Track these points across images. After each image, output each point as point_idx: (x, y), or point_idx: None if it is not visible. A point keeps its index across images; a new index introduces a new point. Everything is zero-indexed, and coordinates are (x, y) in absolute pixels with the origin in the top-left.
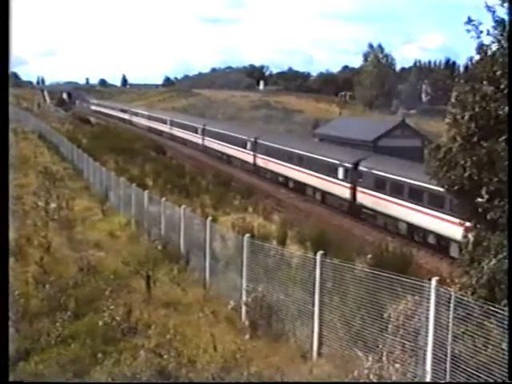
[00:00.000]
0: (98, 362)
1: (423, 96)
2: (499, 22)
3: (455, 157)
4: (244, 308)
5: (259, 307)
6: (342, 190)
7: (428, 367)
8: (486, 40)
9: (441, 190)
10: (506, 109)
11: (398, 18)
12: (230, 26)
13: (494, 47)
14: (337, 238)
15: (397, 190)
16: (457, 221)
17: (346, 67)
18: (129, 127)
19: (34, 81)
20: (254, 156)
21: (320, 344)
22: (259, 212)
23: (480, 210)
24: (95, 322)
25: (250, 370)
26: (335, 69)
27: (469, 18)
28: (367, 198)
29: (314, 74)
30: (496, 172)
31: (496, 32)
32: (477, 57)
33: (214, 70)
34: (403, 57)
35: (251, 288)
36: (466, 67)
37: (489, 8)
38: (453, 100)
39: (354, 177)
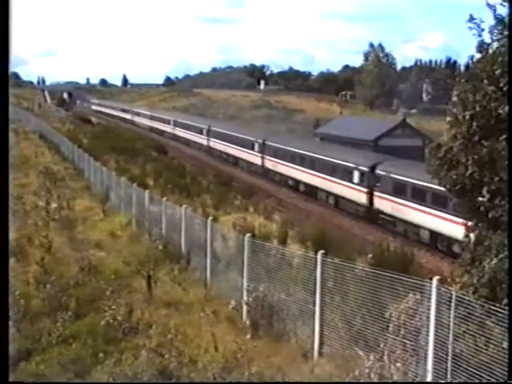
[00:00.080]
0: (100, 361)
1: (424, 95)
2: (500, 20)
3: (456, 156)
4: (245, 308)
5: (260, 307)
6: (358, 195)
7: (429, 366)
8: (488, 38)
9: None
10: (507, 108)
11: (399, 18)
12: (231, 25)
13: (495, 45)
14: (338, 237)
15: (419, 195)
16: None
17: (346, 67)
18: (130, 127)
19: (35, 81)
20: (262, 158)
21: (321, 344)
22: (260, 212)
23: (481, 209)
24: (96, 322)
25: (251, 369)
26: (336, 68)
27: (471, 16)
28: (385, 204)
29: (315, 73)
30: (497, 171)
31: (496, 31)
32: (478, 55)
33: (214, 69)
34: (404, 56)
35: (252, 288)
36: (467, 66)
37: (490, 6)
38: (454, 99)
39: (370, 181)
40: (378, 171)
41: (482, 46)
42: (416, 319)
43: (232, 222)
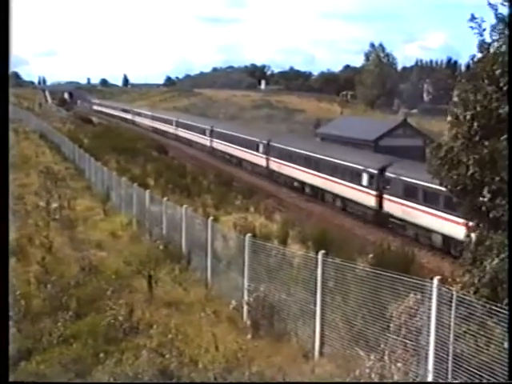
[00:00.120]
0: (100, 361)
1: (425, 95)
2: (501, 19)
3: (457, 156)
4: (246, 308)
5: (261, 307)
6: (367, 198)
7: (430, 366)
8: (489, 38)
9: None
10: (507, 108)
11: (400, 17)
12: (231, 25)
13: (496, 45)
14: (338, 237)
15: (432, 198)
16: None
17: (347, 66)
18: (131, 127)
19: (36, 81)
20: (267, 159)
21: (322, 343)
22: (261, 212)
23: (483, 209)
24: (97, 322)
25: (251, 369)
26: (337, 68)
27: (472, 16)
28: (396, 207)
29: (316, 73)
30: (498, 171)
31: (495, 32)
32: (479, 55)
33: (215, 69)
34: (405, 56)
35: (253, 288)
36: (468, 66)
37: (491, 6)
38: (454, 99)
39: (380, 183)
40: (388, 173)
41: (483, 46)
42: (417, 319)
43: (233, 222)
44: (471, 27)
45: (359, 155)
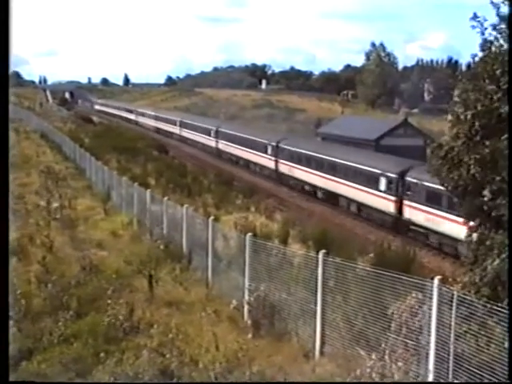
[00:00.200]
0: (101, 361)
1: (425, 95)
2: (502, 18)
3: (458, 155)
4: (246, 307)
5: (261, 306)
6: (385, 203)
7: (431, 366)
8: (491, 36)
9: None
10: (508, 107)
11: (400, 17)
12: (232, 25)
13: (497, 44)
14: (339, 236)
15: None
16: None
17: (348, 66)
18: (132, 127)
19: (37, 80)
20: (276, 162)
21: (322, 343)
22: (261, 211)
23: (484, 208)
24: (98, 322)
25: (252, 369)
26: (337, 68)
27: (474, 14)
28: (418, 214)
29: (316, 72)
30: (499, 170)
31: (495, 32)
32: (480, 54)
33: (216, 69)
34: (405, 56)
35: (253, 287)
36: (469, 66)
37: (493, 4)
38: (455, 99)
39: (400, 188)
40: (408, 178)
41: (485, 45)
42: (417, 319)
43: (233, 222)
44: (473, 26)
45: (377, 158)
